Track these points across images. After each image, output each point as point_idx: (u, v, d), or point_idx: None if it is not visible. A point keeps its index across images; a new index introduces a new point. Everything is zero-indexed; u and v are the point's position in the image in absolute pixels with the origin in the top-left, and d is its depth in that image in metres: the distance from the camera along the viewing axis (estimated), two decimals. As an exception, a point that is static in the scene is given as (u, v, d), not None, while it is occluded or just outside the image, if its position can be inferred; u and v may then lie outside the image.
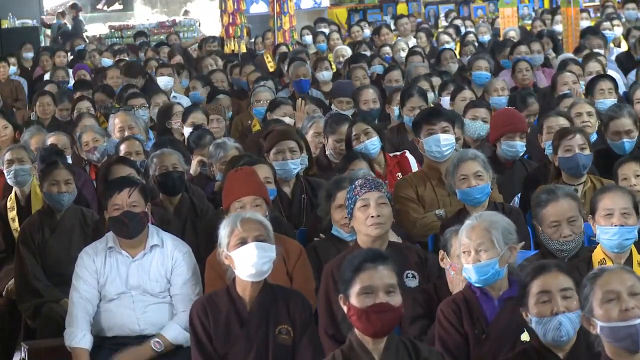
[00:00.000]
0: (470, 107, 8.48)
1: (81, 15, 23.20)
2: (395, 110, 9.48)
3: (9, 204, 7.76)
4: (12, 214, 7.71)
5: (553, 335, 4.47)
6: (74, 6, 22.67)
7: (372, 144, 7.59)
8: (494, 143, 7.72)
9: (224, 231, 5.24)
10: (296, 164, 7.29)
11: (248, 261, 5.12)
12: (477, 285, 4.97)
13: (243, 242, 5.16)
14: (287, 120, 9.12)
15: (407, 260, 5.61)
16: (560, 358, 4.51)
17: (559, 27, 16.05)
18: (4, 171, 7.87)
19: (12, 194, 7.80)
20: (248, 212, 5.42)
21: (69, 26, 22.24)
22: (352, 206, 5.57)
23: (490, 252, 4.94)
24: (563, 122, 7.57)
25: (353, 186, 5.61)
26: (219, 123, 9.39)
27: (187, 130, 9.08)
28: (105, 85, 12.02)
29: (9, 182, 7.81)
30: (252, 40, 17.67)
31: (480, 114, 8.31)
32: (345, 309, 4.45)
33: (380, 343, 4.42)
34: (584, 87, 9.77)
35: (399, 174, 7.52)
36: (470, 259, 4.94)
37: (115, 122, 9.16)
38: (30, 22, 21.78)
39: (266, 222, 5.28)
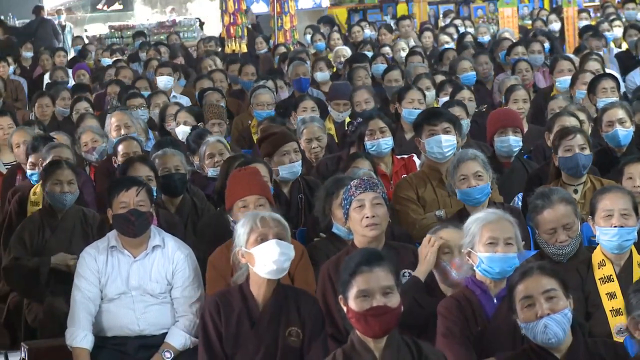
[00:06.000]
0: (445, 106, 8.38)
1: (61, 17, 22.59)
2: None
3: (33, 198, 7.70)
4: (35, 209, 7.63)
5: (541, 338, 4.47)
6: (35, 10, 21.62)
7: (386, 143, 7.62)
8: (491, 143, 7.74)
9: (242, 229, 5.21)
10: (301, 165, 7.35)
11: (269, 257, 5.10)
12: (496, 278, 4.98)
13: (264, 238, 5.15)
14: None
15: (403, 259, 5.61)
16: (558, 358, 4.51)
17: (553, 26, 16.09)
18: (28, 172, 7.93)
19: (38, 187, 7.67)
20: (267, 212, 5.39)
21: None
22: (347, 207, 5.58)
23: (514, 246, 5.00)
24: (575, 122, 7.59)
25: (348, 187, 5.62)
26: (220, 127, 9.37)
27: (178, 130, 9.12)
28: (120, 80, 12.17)
29: (34, 183, 7.78)
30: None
31: (454, 112, 8.30)
32: (345, 310, 4.47)
33: (381, 342, 4.43)
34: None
35: (405, 176, 7.52)
36: (500, 248, 4.96)
37: (112, 121, 9.16)
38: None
39: (284, 221, 5.26)
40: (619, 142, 7.56)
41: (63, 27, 21.86)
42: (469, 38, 15.34)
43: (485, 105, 10.10)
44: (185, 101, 11.46)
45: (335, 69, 13.61)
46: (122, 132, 8.96)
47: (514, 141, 7.61)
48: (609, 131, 7.57)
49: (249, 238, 5.17)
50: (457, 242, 5.23)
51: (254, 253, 5.14)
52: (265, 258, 5.11)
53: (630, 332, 4.14)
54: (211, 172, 7.75)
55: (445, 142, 6.99)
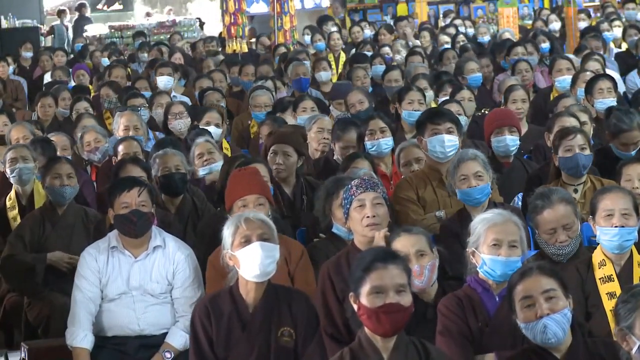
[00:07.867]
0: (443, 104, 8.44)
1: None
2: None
3: (8, 203, 7.71)
4: (13, 214, 7.67)
5: (541, 338, 4.47)
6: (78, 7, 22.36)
7: (387, 143, 7.65)
8: (489, 143, 7.74)
9: (227, 231, 5.20)
10: (285, 170, 7.33)
11: (253, 261, 5.08)
12: (498, 280, 4.98)
13: (247, 240, 5.12)
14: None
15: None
16: (558, 358, 4.50)
17: (553, 26, 16.08)
18: (7, 170, 7.79)
19: (12, 193, 7.74)
20: (251, 212, 5.39)
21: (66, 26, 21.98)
22: (348, 206, 5.58)
23: (518, 249, 5.01)
24: (574, 122, 7.58)
25: (349, 186, 5.62)
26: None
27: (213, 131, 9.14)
28: (112, 81, 12.08)
29: (12, 181, 7.73)
30: (253, 40, 17.67)
31: (453, 108, 8.31)
32: (355, 307, 4.44)
33: (389, 342, 4.42)
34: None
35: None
36: (503, 251, 4.96)
37: (121, 120, 9.13)
38: (30, 22, 21.75)
39: (269, 221, 5.24)
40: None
41: (66, 28, 21.96)
42: (461, 38, 15.30)
43: (488, 109, 10.08)
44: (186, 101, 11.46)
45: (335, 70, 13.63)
46: (130, 133, 8.92)
47: (510, 140, 7.61)
48: (622, 150, 7.38)
49: (233, 240, 5.15)
50: (412, 249, 5.20)
51: (239, 256, 5.12)
52: (249, 261, 5.09)
53: (618, 342, 4.13)
54: (201, 171, 7.76)
55: (448, 142, 6.97)
